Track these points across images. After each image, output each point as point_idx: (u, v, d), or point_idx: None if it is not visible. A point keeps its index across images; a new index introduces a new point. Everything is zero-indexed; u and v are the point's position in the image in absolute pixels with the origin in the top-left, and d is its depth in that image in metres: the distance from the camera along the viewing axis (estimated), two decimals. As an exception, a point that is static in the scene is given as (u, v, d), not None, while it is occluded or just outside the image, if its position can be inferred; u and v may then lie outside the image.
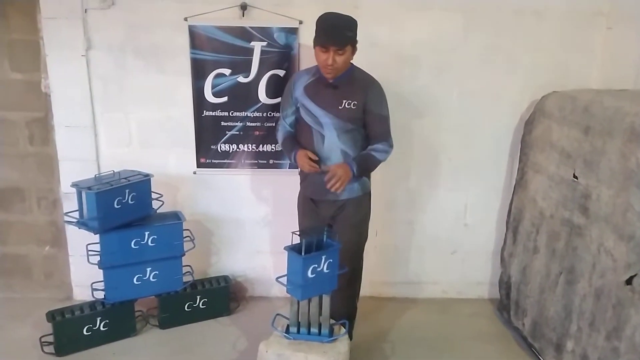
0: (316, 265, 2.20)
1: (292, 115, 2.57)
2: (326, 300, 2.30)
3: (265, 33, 2.87)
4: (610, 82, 2.89)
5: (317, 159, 2.46)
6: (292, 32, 2.87)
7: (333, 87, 2.42)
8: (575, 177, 2.42)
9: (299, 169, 2.57)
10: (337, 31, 2.31)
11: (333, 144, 2.45)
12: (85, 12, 2.83)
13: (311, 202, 2.59)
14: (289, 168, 3.03)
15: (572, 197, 2.43)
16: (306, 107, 2.48)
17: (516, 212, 2.97)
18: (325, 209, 2.55)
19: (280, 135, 2.66)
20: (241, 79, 2.94)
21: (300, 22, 2.85)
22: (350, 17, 2.35)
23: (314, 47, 2.36)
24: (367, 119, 2.47)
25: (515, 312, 2.92)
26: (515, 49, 2.96)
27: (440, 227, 3.25)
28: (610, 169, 2.17)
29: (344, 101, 2.41)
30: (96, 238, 2.68)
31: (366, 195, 2.60)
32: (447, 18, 2.91)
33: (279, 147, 2.84)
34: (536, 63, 2.98)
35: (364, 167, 2.47)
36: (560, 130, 2.58)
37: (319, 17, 2.36)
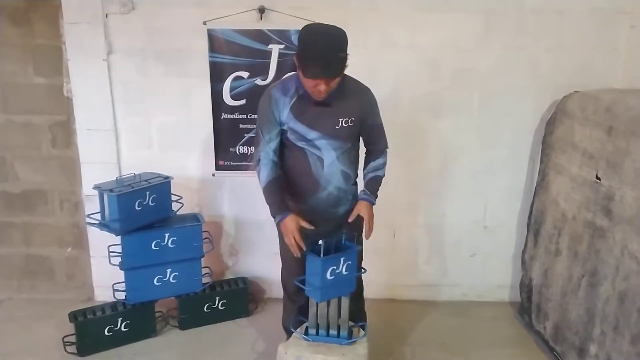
0: (335, 267, 2.19)
1: (276, 138, 2.19)
2: (345, 302, 2.29)
3: (282, 36, 2.88)
4: (634, 81, 2.84)
5: (312, 228, 2.17)
6: (310, 34, 2.87)
7: (324, 104, 2.11)
8: (598, 178, 2.37)
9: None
10: (331, 59, 1.96)
11: (333, 166, 2.21)
12: (106, 17, 2.87)
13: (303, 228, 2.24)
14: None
15: (595, 198, 2.39)
16: (296, 131, 2.16)
17: (537, 214, 2.93)
18: (324, 225, 2.29)
19: (264, 173, 2.20)
20: (259, 81, 2.96)
21: (318, 25, 2.85)
22: (339, 30, 2.01)
23: (300, 72, 2.03)
24: (365, 132, 2.29)
25: (537, 316, 2.88)
26: (536, 49, 2.93)
27: (460, 229, 3.22)
28: (634, 170, 2.13)
29: (341, 120, 2.15)
30: (117, 239, 2.72)
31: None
32: (467, 19, 2.89)
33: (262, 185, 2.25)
34: (557, 63, 2.94)
35: (377, 192, 2.35)
36: (583, 131, 2.54)
37: (303, 37, 2.01)
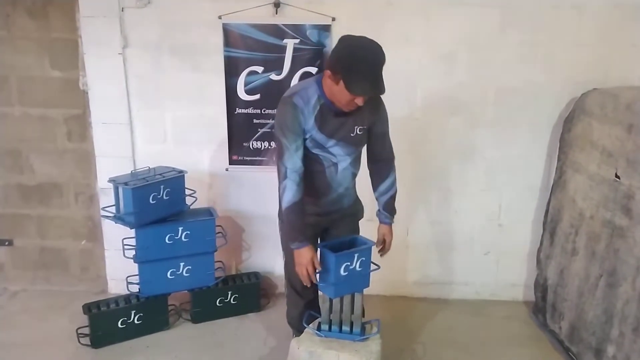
0: (349, 263, 2.18)
1: (302, 146, 2.13)
2: (358, 298, 2.28)
3: (297, 30, 2.87)
4: (655, 78, 2.79)
5: (320, 269, 2.16)
6: (325, 29, 2.86)
7: (345, 114, 2.12)
8: (617, 177, 2.33)
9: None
10: (380, 76, 1.96)
11: (346, 170, 2.24)
12: (122, 10, 2.88)
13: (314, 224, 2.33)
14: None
15: (614, 197, 2.35)
16: (316, 140, 2.15)
17: (554, 212, 2.89)
18: (328, 219, 2.34)
19: (290, 193, 2.10)
20: (273, 76, 2.95)
21: (333, 19, 2.84)
22: (379, 45, 1.99)
23: (339, 86, 1.96)
24: (374, 139, 2.27)
25: (552, 315, 2.84)
26: (553, 45, 2.88)
27: (474, 227, 3.19)
28: (655, 169, 2.09)
29: (356, 127, 2.17)
30: (132, 233, 2.73)
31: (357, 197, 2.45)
32: (484, 14, 2.85)
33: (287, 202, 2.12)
34: (576, 59, 2.89)
35: (395, 211, 2.40)
36: (602, 129, 2.50)
37: (349, 51, 1.95)
